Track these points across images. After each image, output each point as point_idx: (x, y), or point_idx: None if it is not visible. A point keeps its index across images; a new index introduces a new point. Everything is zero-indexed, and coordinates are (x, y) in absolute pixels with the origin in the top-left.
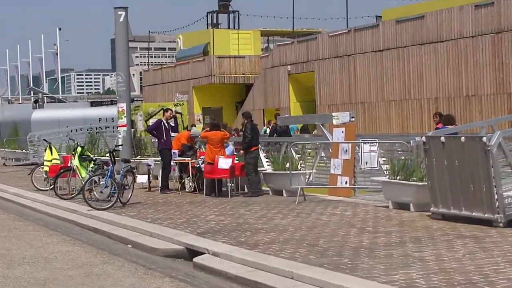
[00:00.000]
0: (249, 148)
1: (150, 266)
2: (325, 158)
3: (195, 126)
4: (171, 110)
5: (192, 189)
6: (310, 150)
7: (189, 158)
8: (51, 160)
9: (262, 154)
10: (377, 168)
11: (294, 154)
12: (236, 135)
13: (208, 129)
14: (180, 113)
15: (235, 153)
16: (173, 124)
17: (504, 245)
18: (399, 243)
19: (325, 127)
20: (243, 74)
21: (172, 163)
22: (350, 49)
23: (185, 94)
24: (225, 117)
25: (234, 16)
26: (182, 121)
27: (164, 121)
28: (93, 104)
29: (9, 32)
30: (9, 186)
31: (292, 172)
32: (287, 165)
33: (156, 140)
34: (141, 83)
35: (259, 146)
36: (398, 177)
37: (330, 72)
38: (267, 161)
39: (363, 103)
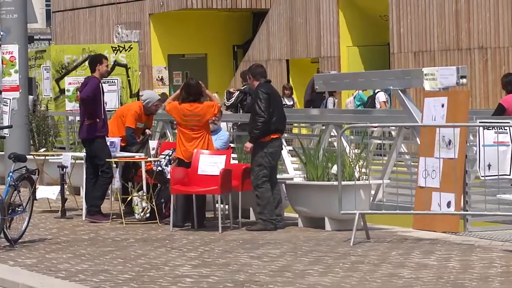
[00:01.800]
0: (263, 137)
1: None
2: (407, 157)
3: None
4: (106, 59)
5: (148, 215)
6: (377, 142)
7: (142, 155)
8: None
9: (286, 149)
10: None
11: (348, 148)
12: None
13: (178, 97)
14: (125, 66)
15: (233, 145)
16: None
17: None
18: None
19: (407, 96)
20: None
21: (111, 165)
22: None
23: (135, 30)
24: (212, 75)
25: None
26: (129, 81)
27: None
28: None
29: None
30: None
31: (344, 183)
32: (333, 169)
33: (81, 120)
34: (48, 6)
35: (283, 133)
36: None
37: None
38: (294, 162)
39: (482, 50)
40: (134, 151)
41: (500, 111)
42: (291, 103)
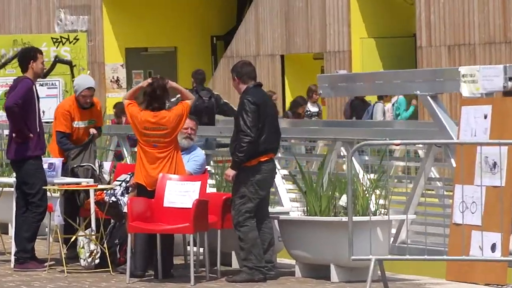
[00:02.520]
0: (249, 161)
1: None
2: (438, 185)
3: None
4: (41, 53)
5: (98, 260)
6: (400, 164)
7: (90, 181)
8: None
9: (280, 174)
10: None
11: (361, 172)
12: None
13: (139, 102)
14: (70, 63)
15: (210, 169)
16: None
17: None
18: None
19: (438, 104)
20: None
21: (49, 193)
22: None
23: (82, 16)
24: (184, 75)
25: None
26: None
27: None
28: None
29: None
30: None
31: (356, 219)
32: (342, 200)
33: (9, 136)
34: None
35: (277, 153)
36: None
37: None
38: (290, 191)
39: None
40: (72, 156)
41: None
42: (316, 110)
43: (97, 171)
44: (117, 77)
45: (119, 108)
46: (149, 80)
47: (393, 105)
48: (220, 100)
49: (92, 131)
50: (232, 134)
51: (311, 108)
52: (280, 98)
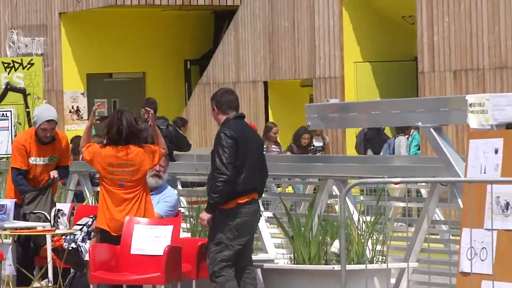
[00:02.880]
0: (226, 203)
1: None
2: (444, 228)
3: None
4: None
5: None
6: (400, 205)
7: (47, 225)
8: None
9: (264, 217)
10: None
11: (356, 214)
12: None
13: (101, 139)
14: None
15: (184, 211)
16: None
17: None
18: None
19: (443, 137)
20: None
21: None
22: None
23: (38, 38)
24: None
25: None
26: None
27: None
28: None
29: None
30: None
31: (351, 268)
32: (334, 246)
33: None
34: None
35: (261, 194)
36: None
37: None
38: (275, 236)
39: None
40: (27, 201)
41: None
42: (320, 144)
43: (52, 221)
44: (77, 106)
45: (77, 143)
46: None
47: (408, 138)
48: (177, 133)
49: (53, 174)
50: (209, 172)
51: (315, 142)
52: (263, 129)
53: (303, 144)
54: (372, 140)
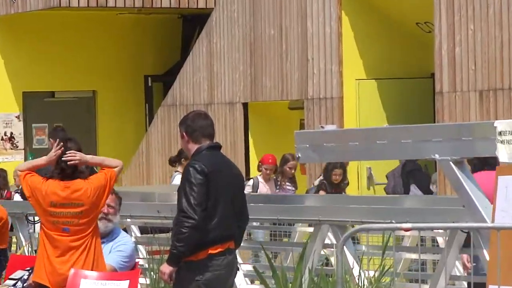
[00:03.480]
0: (194, 254)
1: None
2: (466, 285)
3: None
4: None
5: None
6: (412, 257)
7: None
8: None
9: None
10: None
11: (357, 267)
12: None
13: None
14: None
15: (143, 263)
16: None
17: None
18: None
19: (465, 173)
20: None
21: None
22: None
23: None
24: (106, 131)
25: None
26: None
27: None
28: None
29: None
30: None
31: None
32: None
33: None
34: None
35: (239, 243)
36: None
37: None
38: None
39: None
40: None
41: None
42: (292, 189)
43: None
44: (11, 133)
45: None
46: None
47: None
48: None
49: None
50: (175, 215)
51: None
52: (242, 162)
53: (334, 181)
54: (414, 173)
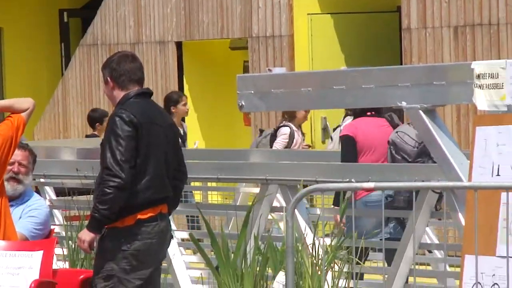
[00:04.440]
0: (120, 219)
1: None
2: (437, 255)
3: None
4: None
5: None
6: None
7: None
8: None
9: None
10: None
11: (311, 233)
12: None
13: None
14: None
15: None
16: None
17: None
18: None
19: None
20: None
21: None
22: None
23: None
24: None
25: None
26: None
27: None
28: None
29: None
30: None
31: None
32: (277, 282)
33: None
34: None
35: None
36: None
37: None
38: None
39: None
40: None
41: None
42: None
43: None
44: None
45: None
46: None
47: None
48: None
49: None
50: (98, 174)
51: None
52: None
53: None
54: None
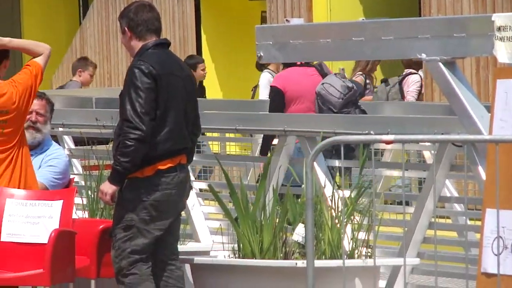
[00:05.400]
0: (140, 170)
1: None
2: (457, 208)
3: None
4: None
5: None
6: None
7: None
8: None
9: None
10: None
11: (330, 186)
12: None
13: None
14: None
15: (78, 180)
16: None
17: None
18: None
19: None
20: None
21: None
22: None
23: None
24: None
25: None
26: None
27: None
28: None
29: None
30: None
31: (321, 264)
32: (298, 232)
33: None
34: None
35: (191, 156)
36: None
37: None
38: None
39: None
40: None
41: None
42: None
43: None
44: None
45: None
46: None
47: None
48: None
49: None
50: (117, 125)
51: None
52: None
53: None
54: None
